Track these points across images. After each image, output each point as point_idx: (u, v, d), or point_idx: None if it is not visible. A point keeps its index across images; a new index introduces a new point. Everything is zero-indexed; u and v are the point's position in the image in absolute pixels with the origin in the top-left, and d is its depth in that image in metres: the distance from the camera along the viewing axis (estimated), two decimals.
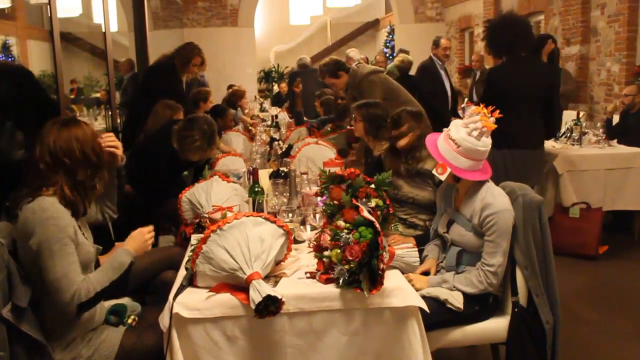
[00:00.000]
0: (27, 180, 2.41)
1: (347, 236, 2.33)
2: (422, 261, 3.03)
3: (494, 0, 10.98)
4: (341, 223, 2.44)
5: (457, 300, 2.70)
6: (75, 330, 2.38)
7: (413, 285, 2.52)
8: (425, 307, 2.33)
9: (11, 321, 2.20)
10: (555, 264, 2.83)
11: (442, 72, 7.14)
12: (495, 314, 2.85)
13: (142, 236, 2.59)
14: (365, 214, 2.40)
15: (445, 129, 2.86)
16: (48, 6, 4.38)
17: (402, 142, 3.56)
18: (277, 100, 11.73)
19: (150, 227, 2.63)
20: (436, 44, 7.16)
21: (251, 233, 2.33)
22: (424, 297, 2.57)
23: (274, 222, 2.41)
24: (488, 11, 10.98)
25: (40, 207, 2.29)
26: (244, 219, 2.35)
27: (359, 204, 2.49)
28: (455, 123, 2.83)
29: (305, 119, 7.44)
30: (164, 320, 2.22)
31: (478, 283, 2.73)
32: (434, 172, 2.82)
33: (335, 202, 2.61)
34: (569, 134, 6.09)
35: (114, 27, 7.47)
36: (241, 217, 2.35)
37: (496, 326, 2.81)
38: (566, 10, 8.60)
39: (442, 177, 2.79)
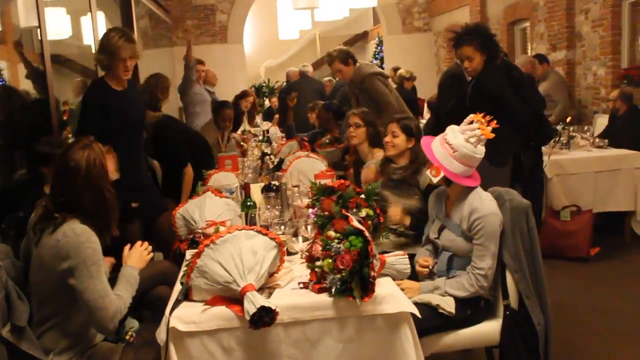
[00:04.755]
0: (49, 204, 2.46)
1: (338, 246, 2.37)
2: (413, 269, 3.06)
3: (480, 9, 11.10)
4: (332, 233, 2.48)
5: (448, 305, 2.75)
6: (75, 348, 2.41)
7: (405, 293, 2.56)
8: (417, 313, 2.36)
9: (11, 341, 2.23)
10: (547, 267, 2.88)
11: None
12: (488, 318, 2.90)
13: (140, 252, 2.64)
14: (355, 223, 2.44)
15: (441, 134, 2.90)
16: (38, 29, 4.41)
17: (392, 152, 3.60)
18: (268, 115, 11.75)
19: (146, 243, 2.67)
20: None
21: (244, 246, 2.37)
22: (416, 303, 2.60)
23: (266, 234, 2.46)
24: (475, 19, 11.06)
25: (74, 232, 2.36)
26: (237, 232, 2.39)
27: (348, 214, 2.53)
28: (452, 128, 2.86)
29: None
30: (161, 334, 2.25)
31: (469, 286, 2.78)
32: (426, 172, 2.87)
33: (326, 213, 2.65)
34: (557, 139, 6.14)
35: None
36: (234, 230, 2.40)
37: (489, 329, 2.86)
38: (551, 17, 8.70)
39: (435, 180, 2.83)
